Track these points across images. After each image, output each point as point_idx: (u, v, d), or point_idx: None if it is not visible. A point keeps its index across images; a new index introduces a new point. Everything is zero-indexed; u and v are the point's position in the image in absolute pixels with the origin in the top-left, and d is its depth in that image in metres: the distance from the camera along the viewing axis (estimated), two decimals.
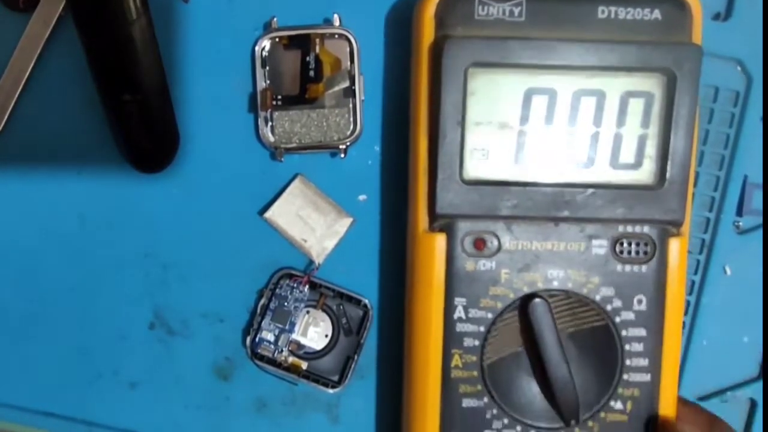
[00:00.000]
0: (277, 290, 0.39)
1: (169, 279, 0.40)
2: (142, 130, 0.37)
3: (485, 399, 0.36)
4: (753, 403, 0.42)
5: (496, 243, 0.35)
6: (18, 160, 0.39)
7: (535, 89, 0.35)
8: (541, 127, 0.35)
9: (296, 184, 0.39)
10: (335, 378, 0.40)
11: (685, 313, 0.41)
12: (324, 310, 0.40)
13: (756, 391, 0.42)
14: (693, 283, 0.42)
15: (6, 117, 0.39)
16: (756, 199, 0.42)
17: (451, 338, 0.35)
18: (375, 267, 0.41)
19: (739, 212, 0.42)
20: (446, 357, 0.36)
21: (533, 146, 0.35)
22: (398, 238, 0.40)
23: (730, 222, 0.42)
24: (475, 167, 0.35)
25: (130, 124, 0.37)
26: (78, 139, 0.39)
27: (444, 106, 0.34)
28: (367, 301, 0.40)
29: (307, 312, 0.40)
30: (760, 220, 0.42)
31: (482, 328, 0.35)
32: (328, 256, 0.40)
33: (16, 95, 0.38)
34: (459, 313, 0.35)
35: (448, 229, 0.35)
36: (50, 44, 0.38)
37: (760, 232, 0.42)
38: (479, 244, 0.35)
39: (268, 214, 0.39)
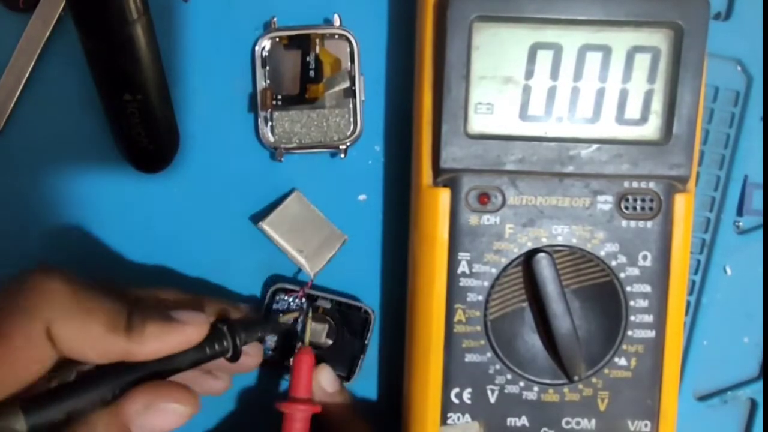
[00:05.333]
0: (274, 305, 0.39)
1: (169, 279, 0.40)
2: (142, 130, 0.37)
3: (488, 354, 0.36)
4: (753, 403, 0.42)
5: (500, 198, 0.35)
6: (18, 160, 0.39)
7: (541, 44, 0.35)
8: (547, 81, 0.35)
9: (291, 200, 0.39)
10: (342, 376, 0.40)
11: (686, 313, 0.41)
12: (325, 320, 0.39)
13: (756, 391, 0.42)
14: (693, 283, 0.42)
15: (6, 117, 0.39)
16: (756, 199, 0.42)
17: (454, 293, 0.36)
18: (376, 267, 0.41)
19: (740, 212, 0.42)
20: (450, 312, 0.36)
21: (538, 101, 0.35)
22: (399, 237, 0.40)
23: (730, 222, 0.42)
24: (480, 121, 0.35)
25: (130, 124, 0.37)
26: (78, 139, 0.39)
27: (449, 60, 0.34)
28: (367, 308, 0.40)
29: (308, 320, 0.39)
30: (760, 220, 0.42)
31: (486, 284, 0.36)
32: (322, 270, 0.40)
33: (16, 95, 0.38)
34: (463, 268, 0.36)
35: (452, 184, 0.35)
36: (50, 44, 0.38)
37: (760, 232, 0.42)
38: (483, 198, 0.35)
39: (264, 225, 0.39)
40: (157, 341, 0.31)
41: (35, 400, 0.30)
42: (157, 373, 0.32)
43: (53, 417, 0.30)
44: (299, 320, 0.39)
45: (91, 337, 0.30)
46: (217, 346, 0.33)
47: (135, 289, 0.35)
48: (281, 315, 0.38)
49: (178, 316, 0.32)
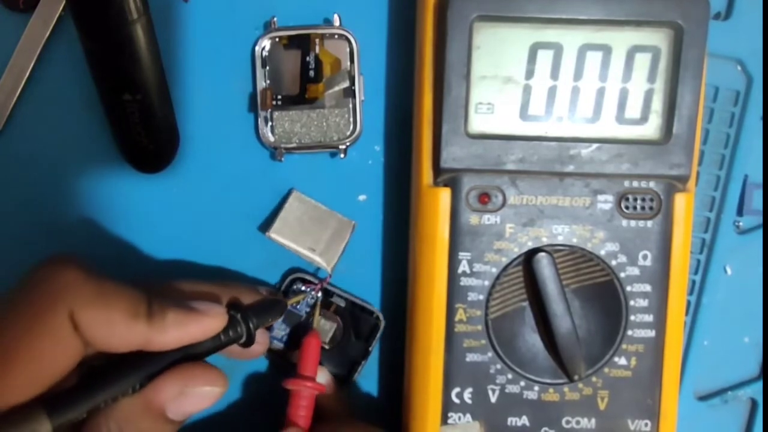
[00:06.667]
0: (290, 294, 0.39)
1: (170, 278, 0.40)
2: (142, 130, 0.37)
3: (489, 353, 0.36)
4: (753, 403, 0.42)
5: (500, 197, 0.35)
6: (18, 160, 0.39)
7: (541, 43, 0.35)
8: (547, 81, 0.35)
9: (292, 201, 0.39)
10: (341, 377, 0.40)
11: (686, 313, 0.41)
12: (335, 319, 0.39)
13: (756, 390, 0.42)
14: (693, 282, 0.42)
15: (6, 117, 0.39)
16: (756, 199, 0.42)
17: (455, 293, 0.36)
18: (377, 267, 0.41)
19: (740, 212, 0.42)
20: (450, 311, 0.36)
21: (539, 101, 0.35)
22: (399, 237, 0.40)
23: (730, 222, 0.42)
24: (480, 121, 0.35)
25: (130, 124, 0.37)
26: (78, 139, 0.39)
27: (449, 59, 0.34)
28: (379, 314, 0.40)
29: (318, 306, 0.39)
30: (760, 220, 0.42)
31: (487, 283, 0.36)
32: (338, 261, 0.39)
33: (16, 95, 0.38)
34: (463, 267, 0.36)
35: (453, 184, 0.35)
36: (50, 44, 0.38)
37: (760, 232, 0.42)
38: (484, 198, 0.35)
39: (272, 234, 0.39)
40: (178, 329, 0.31)
41: (58, 399, 0.29)
42: (177, 362, 0.32)
43: (78, 415, 0.30)
44: (306, 302, 0.39)
45: (114, 323, 0.30)
46: (231, 333, 0.33)
47: (152, 282, 0.35)
48: (289, 298, 0.38)
49: (198, 306, 0.32)
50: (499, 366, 0.36)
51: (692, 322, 0.42)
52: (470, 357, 0.36)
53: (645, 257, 0.36)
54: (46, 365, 0.30)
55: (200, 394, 0.32)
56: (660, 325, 0.36)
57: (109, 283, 0.31)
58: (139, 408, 0.31)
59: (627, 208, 0.36)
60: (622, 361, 0.36)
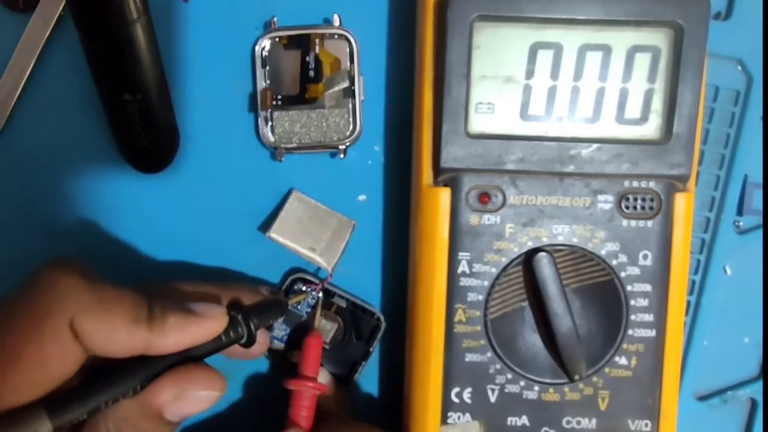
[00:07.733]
0: (290, 294, 0.39)
1: (170, 279, 0.40)
2: (142, 130, 0.37)
3: (489, 354, 0.36)
4: (753, 403, 0.42)
5: (500, 197, 0.35)
6: (18, 160, 0.39)
7: (541, 43, 0.35)
8: (547, 81, 0.35)
9: (292, 200, 0.39)
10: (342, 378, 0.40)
11: (686, 313, 0.41)
12: (336, 320, 0.39)
13: (756, 391, 0.42)
14: (693, 282, 0.42)
15: (6, 117, 0.39)
16: (756, 199, 0.42)
17: (455, 293, 0.36)
18: (376, 267, 0.41)
19: (740, 212, 0.42)
20: (450, 312, 0.36)
21: (539, 101, 0.35)
22: (399, 237, 0.40)
23: (730, 222, 0.42)
24: (481, 121, 0.35)
25: (130, 124, 0.37)
26: (78, 139, 0.39)
27: (449, 59, 0.34)
28: (380, 315, 0.40)
29: (319, 307, 0.39)
30: (760, 220, 0.42)
31: (486, 283, 0.36)
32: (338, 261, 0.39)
33: (16, 95, 0.38)
34: (463, 267, 0.36)
35: (453, 184, 0.35)
36: (50, 44, 0.38)
37: (760, 232, 0.42)
38: (484, 198, 0.35)
39: (272, 234, 0.39)
40: (179, 333, 0.31)
41: (59, 399, 0.30)
42: (177, 364, 0.32)
43: (78, 416, 0.30)
44: (307, 303, 0.39)
45: (114, 329, 0.30)
46: (232, 334, 0.33)
47: (152, 284, 0.35)
48: (290, 298, 0.38)
49: (198, 308, 0.32)
50: (498, 366, 0.36)
51: (692, 322, 0.42)
52: (470, 357, 0.36)
53: (645, 257, 0.36)
54: (47, 371, 0.30)
55: (198, 397, 0.32)
56: (660, 324, 0.36)
57: (110, 289, 0.31)
58: (137, 409, 0.31)
59: (627, 207, 0.36)
60: (623, 360, 0.36)
